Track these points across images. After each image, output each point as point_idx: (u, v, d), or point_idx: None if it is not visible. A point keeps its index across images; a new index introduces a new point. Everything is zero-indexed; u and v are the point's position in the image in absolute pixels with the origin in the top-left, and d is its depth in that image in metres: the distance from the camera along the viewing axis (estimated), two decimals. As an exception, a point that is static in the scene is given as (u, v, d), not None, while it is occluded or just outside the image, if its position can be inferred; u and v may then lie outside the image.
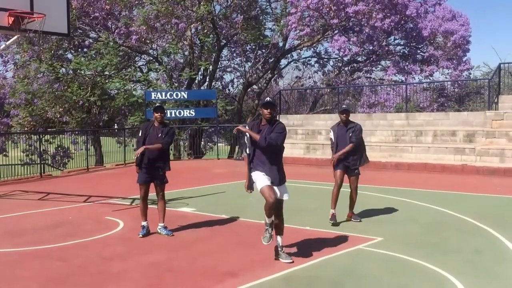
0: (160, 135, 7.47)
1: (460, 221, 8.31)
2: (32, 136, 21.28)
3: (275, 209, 5.92)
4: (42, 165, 17.23)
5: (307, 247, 6.71)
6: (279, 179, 6.02)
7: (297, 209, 9.26)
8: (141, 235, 7.43)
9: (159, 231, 7.56)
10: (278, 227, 6.11)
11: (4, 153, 21.39)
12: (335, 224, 7.79)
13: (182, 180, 13.47)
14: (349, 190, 8.23)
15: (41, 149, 18.32)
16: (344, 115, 7.96)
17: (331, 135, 8.08)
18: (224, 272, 5.78)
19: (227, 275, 5.65)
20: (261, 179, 5.96)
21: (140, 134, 7.61)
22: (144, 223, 7.56)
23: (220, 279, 5.52)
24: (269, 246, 6.21)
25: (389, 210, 9.08)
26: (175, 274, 5.76)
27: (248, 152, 6.15)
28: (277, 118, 5.99)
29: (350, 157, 8.01)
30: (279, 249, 6.16)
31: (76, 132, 22.93)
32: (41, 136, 18.90)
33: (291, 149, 18.85)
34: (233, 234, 7.47)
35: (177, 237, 7.45)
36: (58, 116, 23.80)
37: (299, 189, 12.22)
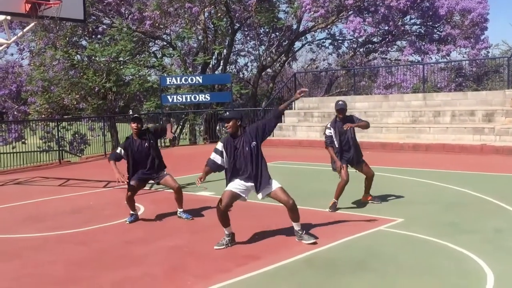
0: (146, 144, 7.40)
1: (480, 200, 8.23)
2: (50, 123, 21.49)
3: (224, 214, 5.97)
4: (60, 152, 17.41)
5: (327, 229, 6.71)
6: (263, 182, 5.98)
7: (317, 192, 9.26)
8: (128, 222, 7.42)
9: (179, 215, 7.61)
10: (291, 214, 6.08)
11: (23, 140, 21.66)
12: (334, 211, 7.71)
13: (199, 164, 13.45)
14: (360, 176, 8.08)
15: (59, 136, 18.49)
16: (341, 114, 7.69)
17: (330, 132, 7.74)
18: (246, 254, 5.80)
19: (249, 258, 5.67)
20: (233, 183, 6.02)
21: (122, 153, 7.40)
22: (132, 212, 7.53)
23: (242, 262, 5.54)
24: (287, 230, 6.23)
25: (408, 191, 9.03)
26: (197, 257, 5.79)
27: (225, 166, 6.05)
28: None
29: (354, 151, 7.84)
30: (300, 232, 6.15)
31: (93, 119, 23.09)
32: (58, 123, 19.09)
33: (307, 132, 18.79)
34: (253, 217, 7.49)
35: (197, 221, 7.49)
36: (75, 103, 23.99)
37: (316, 171, 12.22)
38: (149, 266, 5.56)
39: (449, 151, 14.60)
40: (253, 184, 6.01)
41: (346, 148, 7.80)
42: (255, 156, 5.97)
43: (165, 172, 7.59)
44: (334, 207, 7.77)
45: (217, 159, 6.09)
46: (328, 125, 7.88)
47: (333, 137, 7.73)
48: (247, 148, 5.95)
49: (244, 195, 6.09)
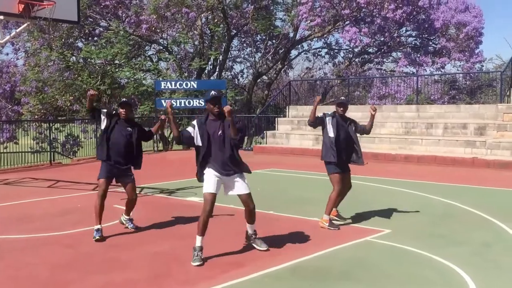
0: (130, 130, 6.83)
1: (468, 213, 8.25)
2: (42, 124, 21.39)
3: (208, 219, 5.78)
4: (52, 153, 17.33)
5: (314, 238, 6.69)
6: (237, 168, 5.90)
7: (305, 200, 9.24)
8: (97, 237, 6.62)
9: (123, 220, 7.27)
10: (249, 216, 6.05)
11: (15, 140, 21.55)
12: (337, 228, 7.13)
13: (190, 169, 13.46)
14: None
15: (51, 137, 18.41)
16: (342, 108, 7.13)
17: (327, 121, 7.12)
18: (230, 261, 5.77)
19: (234, 265, 5.65)
20: (209, 181, 5.84)
21: (106, 117, 6.78)
22: (99, 226, 6.70)
23: (226, 269, 5.52)
24: (275, 237, 6.21)
25: (398, 202, 9.03)
26: (181, 263, 5.76)
27: (200, 144, 5.82)
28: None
29: (354, 154, 7.38)
30: (253, 236, 6.12)
31: (86, 121, 23.01)
32: (51, 124, 18.99)
33: (300, 141, 18.81)
34: (239, 224, 7.43)
35: (184, 227, 7.45)
36: (68, 105, 23.89)
37: (307, 180, 12.21)
38: (133, 271, 5.52)
39: (440, 163, 14.64)
40: (226, 174, 5.85)
41: (343, 146, 7.17)
42: (229, 143, 5.82)
43: (132, 177, 6.98)
44: (332, 225, 7.15)
45: (190, 130, 5.87)
46: (328, 114, 7.24)
47: (328, 125, 7.11)
48: (222, 133, 5.78)
49: (217, 192, 5.93)
